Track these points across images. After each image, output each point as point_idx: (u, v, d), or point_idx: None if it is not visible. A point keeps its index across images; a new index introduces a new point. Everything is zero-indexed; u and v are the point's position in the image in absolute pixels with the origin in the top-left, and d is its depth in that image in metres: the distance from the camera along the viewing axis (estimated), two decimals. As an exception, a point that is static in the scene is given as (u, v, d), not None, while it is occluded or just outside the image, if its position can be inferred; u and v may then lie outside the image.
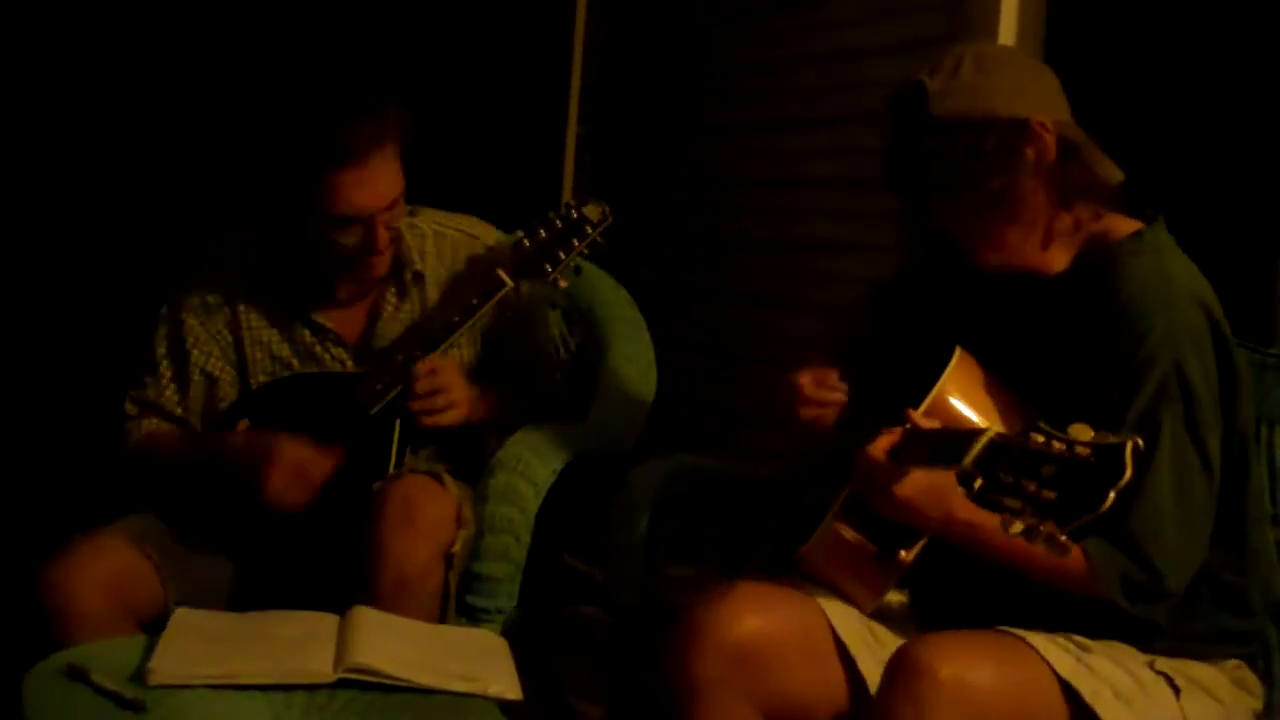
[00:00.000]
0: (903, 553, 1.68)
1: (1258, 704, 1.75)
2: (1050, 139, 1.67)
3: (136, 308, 2.28)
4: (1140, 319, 1.62)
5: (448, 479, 2.07)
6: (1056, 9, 2.76)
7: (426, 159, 2.15)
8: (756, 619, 1.66)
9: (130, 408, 2.22)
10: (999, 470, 1.38)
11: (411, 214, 2.23)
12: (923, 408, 1.67)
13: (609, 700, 2.32)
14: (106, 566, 1.93)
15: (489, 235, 2.30)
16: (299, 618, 1.87)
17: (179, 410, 2.21)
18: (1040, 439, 1.35)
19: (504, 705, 1.73)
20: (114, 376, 2.29)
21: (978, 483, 1.40)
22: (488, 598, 2.15)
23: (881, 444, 1.62)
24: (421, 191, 2.26)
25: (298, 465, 2.04)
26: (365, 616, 1.84)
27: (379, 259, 2.14)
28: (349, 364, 2.21)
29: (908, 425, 1.62)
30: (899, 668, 1.56)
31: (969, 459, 1.41)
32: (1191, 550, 1.64)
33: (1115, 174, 1.72)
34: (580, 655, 2.46)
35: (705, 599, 1.69)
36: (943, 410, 1.68)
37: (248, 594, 2.07)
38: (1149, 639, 1.67)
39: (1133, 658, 1.65)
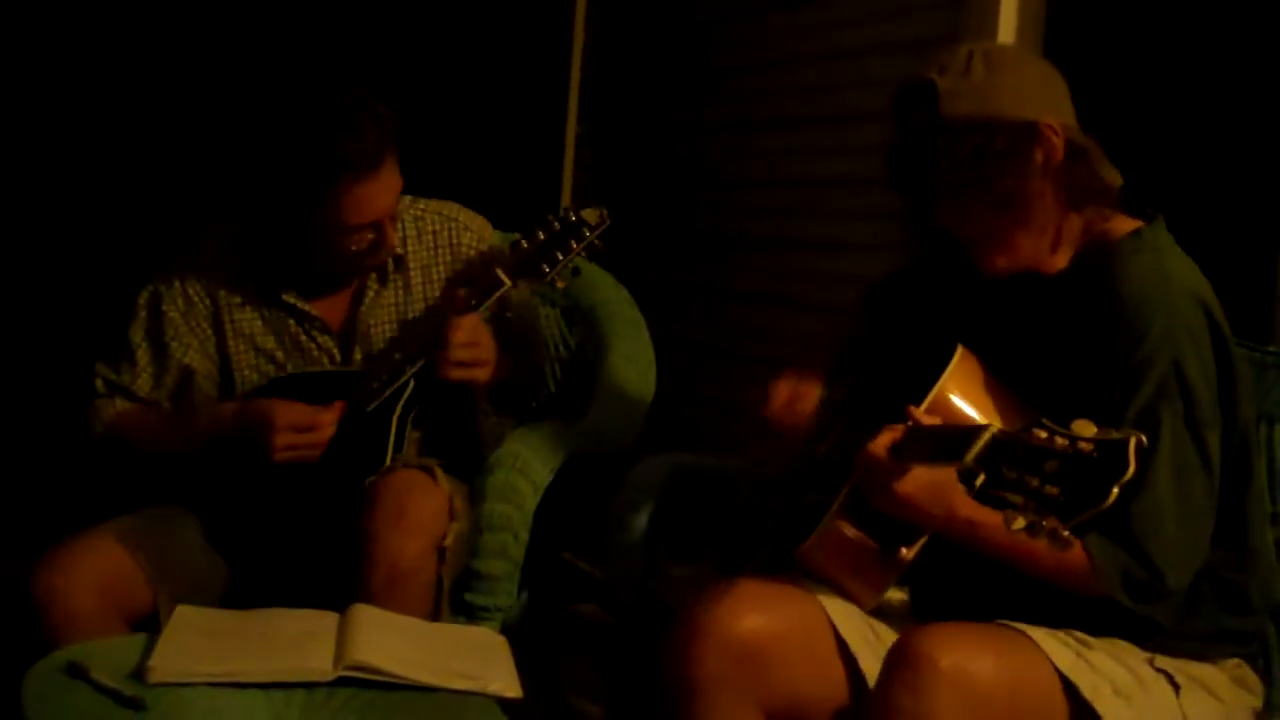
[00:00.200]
0: (904, 550, 1.68)
1: (1257, 702, 1.75)
2: (1059, 142, 1.67)
3: (124, 304, 2.26)
4: (1140, 317, 1.62)
5: (439, 473, 2.07)
6: (1056, 8, 2.76)
7: (427, 158, 2.16)
8: (757, 617, 1.66)
9: (100, 385, 2.22)
10: (1001, 466, 1.38)
11: None
12: (924, 405, 1.67)
13: (609, 699, 2.32)
14: (98, 567, 1.93)
15: (465, 216, 2.31)
16: (299, 616, 1.87)
17: (152, 397, 2.21)
18: (1043, 435, 1.35)
19: (504, 703, 1.73)
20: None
21: (980, 480, 1.40)
22: (487, 595, 2.15)
23: (883, 441, 1.62)
24: (422, 190, 2.26)
25: (296, 423, 2.04)
26: (365, 614, 1.84)
27: (383, 252, 2.17)
28: (335, 351, 2.21)
29: (909, 423, 1.62)
30: (899, 658, 1.56)
31: (971, 455, 1.40)
32: (1192, 548, 1.64)
33: (1116, 178, 1.72)
34: (580, 654, 2.47)
35: (706, 597, 1.69)
36: (944, 408, 1.68)
37: (242, 591, 2.07)
38: (1150, 637, 1.67)
39: (1133, 655, 1.65)
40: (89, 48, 3.65)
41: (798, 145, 3.41)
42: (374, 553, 1.94)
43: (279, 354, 2.21)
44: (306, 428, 2.04)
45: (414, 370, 2.13)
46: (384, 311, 2.23)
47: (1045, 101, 1.69)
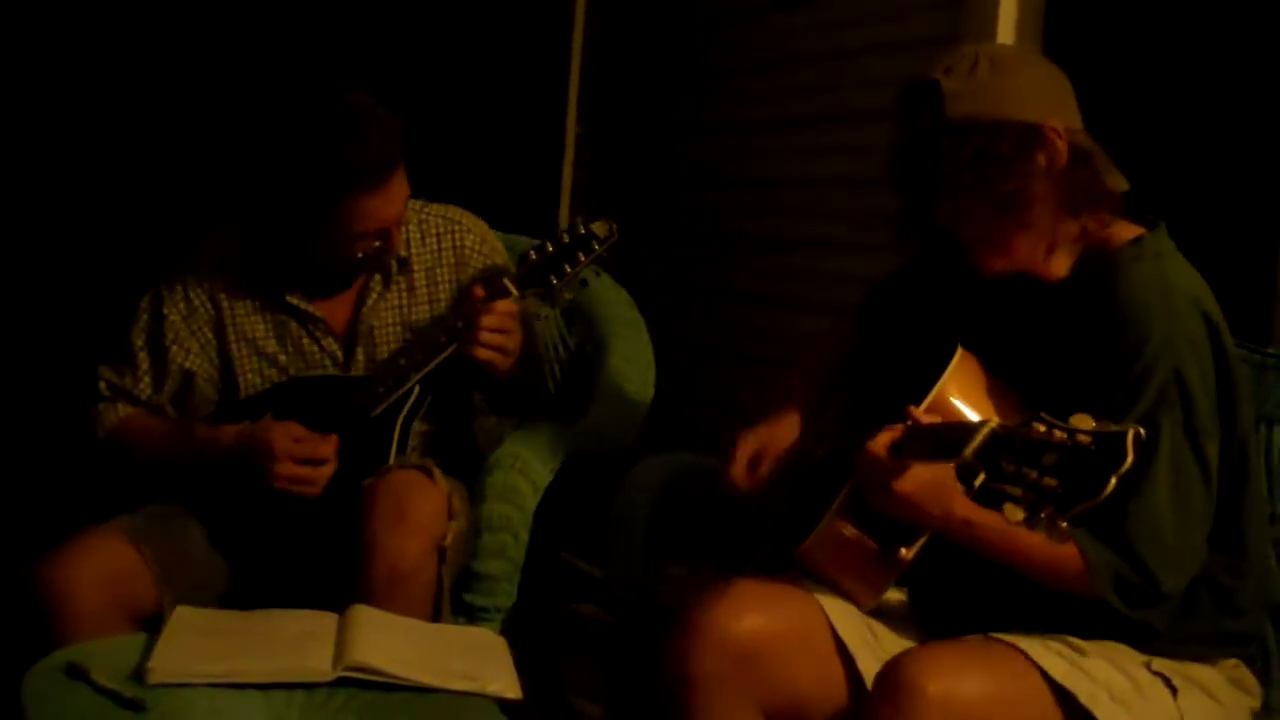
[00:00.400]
0: (903, 550, 1.68)
1: (1256, 704, 1.75)
2: (1063, 145, 1.66)
3: (126, 306, 2.27)
4: (1140, 325, 1.62)
5: (437, 473, 2.07)
6: (1055, 9, 2.76)
7: (427, 158, 2.15)
8: (756, 617, 1.66)
9: (104, 388, 2.22)
10: (1000, 460, 1.38)
11: None
12: (924, 405, 1.67)
13: (608, 699, 2.32)
14: (103, 564, 1.93)
15: (468, 220, 2.31)
16: (298, 616, 1.87)
17: (154, 401, 2.21)
18: (1042, 428, 1.36)
19: (503, 704, 1.73)
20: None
21: (979, 480, 1.40)
22: (486, 596, 2.15)
23: (882, 440, 1.62)
24: (422, 191, 2.26)
25: (297, 454, 2.04)
26: (364, 615, 1.84)
27: (389, 255, 2.18)
28: (338, 353, 2.21)
29: (909, 422, 1.62)
30: (888, 684, 1.56)
31: (970, 450, 1.40)
32: (1188, 554, 1.64)
33: (1121, 183, 1.72)
34: (580, 654, 2.47)
35: (705, 597, 1.69)
36: (944, 408, 1.68)
37: (243, 591, 2.08)
38: (1147, 640, 1.67)
39: (1129, 658, 1.66)
40: (93, 51, 3.64)
41: (798, 145, 3.41)
42: (374, 554, 1.94)
43: (281, 357, 2.21)
44: (306, 459, 2.04)
45: (420, 376, 2.13)
46: (387, 313, 2.23)
47: (1050, 104, 1.69)
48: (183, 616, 1.86)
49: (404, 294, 2.24)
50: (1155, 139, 2.46)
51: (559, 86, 4.21)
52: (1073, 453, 1.32)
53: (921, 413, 1.64)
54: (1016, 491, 1.35)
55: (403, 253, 2.22)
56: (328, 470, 2.06)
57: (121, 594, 1.93)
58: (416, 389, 2.14)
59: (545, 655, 2.37)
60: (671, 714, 1.67)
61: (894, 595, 1.79)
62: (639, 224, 3.77)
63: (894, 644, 1.71)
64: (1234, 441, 1.69)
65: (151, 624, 1.88)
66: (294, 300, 2.20)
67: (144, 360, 2.21)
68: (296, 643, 1.77)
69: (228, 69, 3.69)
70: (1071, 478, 1.31)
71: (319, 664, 1.70)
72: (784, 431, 1.95)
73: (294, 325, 2.21)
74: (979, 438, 1.41)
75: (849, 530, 1.71)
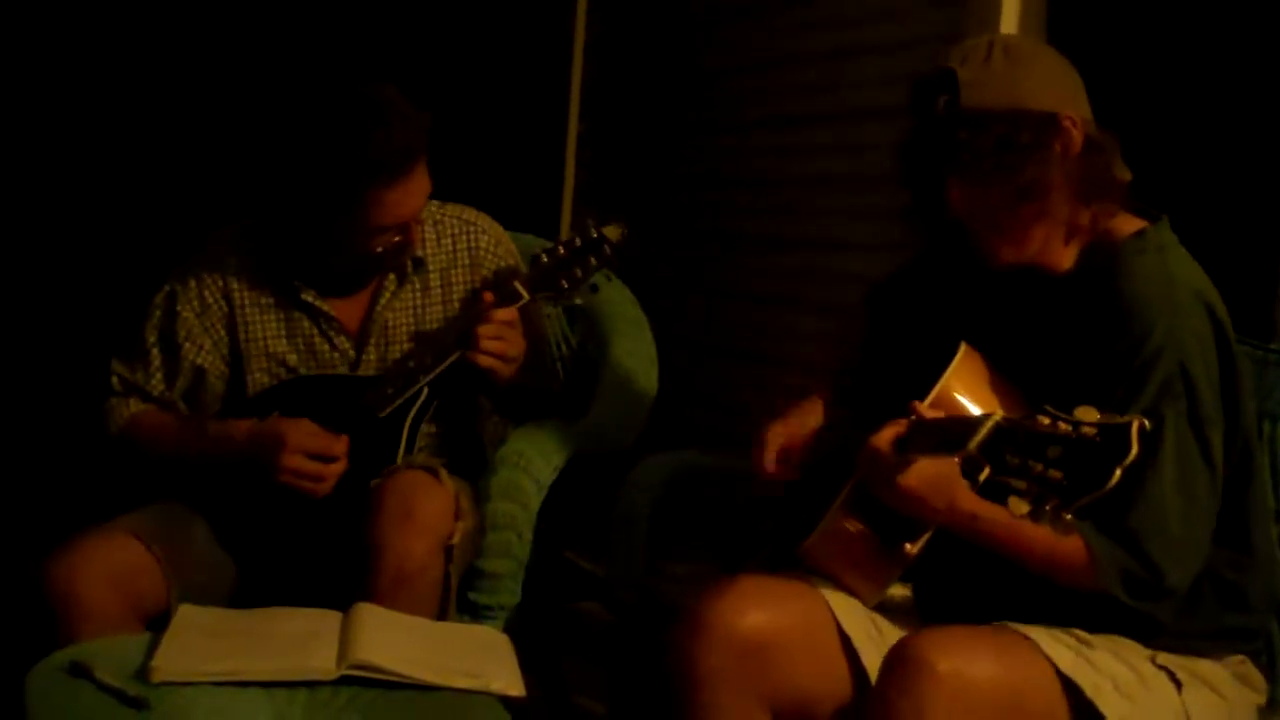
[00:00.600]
0: (907, 545, 1.68)
1: (1261, 699, 1.75)
2: (1077, 134, 1.67)
3: (138, 303, 2.27)
4: (1144, 318, 1.62)
5: (443, 473, 2.07)
6: (1057, 8, 2.76)
7: (429, 157, 2.15)
8: (760, 613, 1.66)
9: (116, 384, 2.21)
10: (1005, 453, 1.38)
11: None
12: (928, 401, 1.67)
13: (611, 697, 2.32)
14: (112, 561, 1.93)
15: (483, 221, 2.31)
16: (302, 615, 1.87)
17: (166, 397, 2.21)
18: (1046, 421, 1.36)
19: (506, 702, 1.73)
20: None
21: (983, 474, 1.40)
22: (490, 594, 2.15)
23: (886, 434, 1.62)
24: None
25: (308, 448, 2.04)
26: (368, 613, 1.84)
27: (407, 253, 2.18)
28: (350, 352, 2.21)
29: (913, 417, 1.62)
30: (897, 662, 1.56)
31: (975, 443, 1.40)
32: (1193, 546, 1.64)
33: (1126, 174, 1.73)
34: (583, 652, 2.47)
35: (709, 593, 1.69)
36: (948, 404, 1.68)
37: (250, 590, 2.07)
38: (1152, 634, 1.67)
39: (1135, 652, 1.66)
40: (106, 48, 3.65)
41: (798, 145, 3.41)
42: (381, 553, 1.94)
43: (291, 357, 2.20)
44: (317, 454, 2.04)
45: (429, 379, 2.13)
46: (401, 312, 2.22)
47: (1064, 94, 1.69)
48: (186, 615, 1.86)
49: (418, 294, 2.23)
50: (1158, 135, 2.45)
51: (561, 86, 4.21)
52: (1077, 445, 1.32)
53: (925, 408, 1.64)
54: (1021, 484, 1.35)
55: (419, 252, 2.22)
56: (338, 469, 2.06)
57: (129, 592, 1.93)
58: (425, 391, 2.14)
59: (548, 653, 2.37)
60: (676, 710, 1.67)
61: (898, 590, 1.79)
62: (641, 222, 3.76)
63: (898, 639, 1.70)
64: (1238, 436, 1.69)
65: (159, 622, 1.88)
66: (308, 298, 2.20)
67: (157, 356, 2.21)
68: (300, 641, 1.77)
69: (240, 67, 3.70)
70: (1076, 470, 1.31)
71: (322, 662, 1.70)
72: (811, 421, 1.94)
73: (307, 323, 2.21)
74: (983, 431, 1.41)
75: (853, 526, 1.71)
